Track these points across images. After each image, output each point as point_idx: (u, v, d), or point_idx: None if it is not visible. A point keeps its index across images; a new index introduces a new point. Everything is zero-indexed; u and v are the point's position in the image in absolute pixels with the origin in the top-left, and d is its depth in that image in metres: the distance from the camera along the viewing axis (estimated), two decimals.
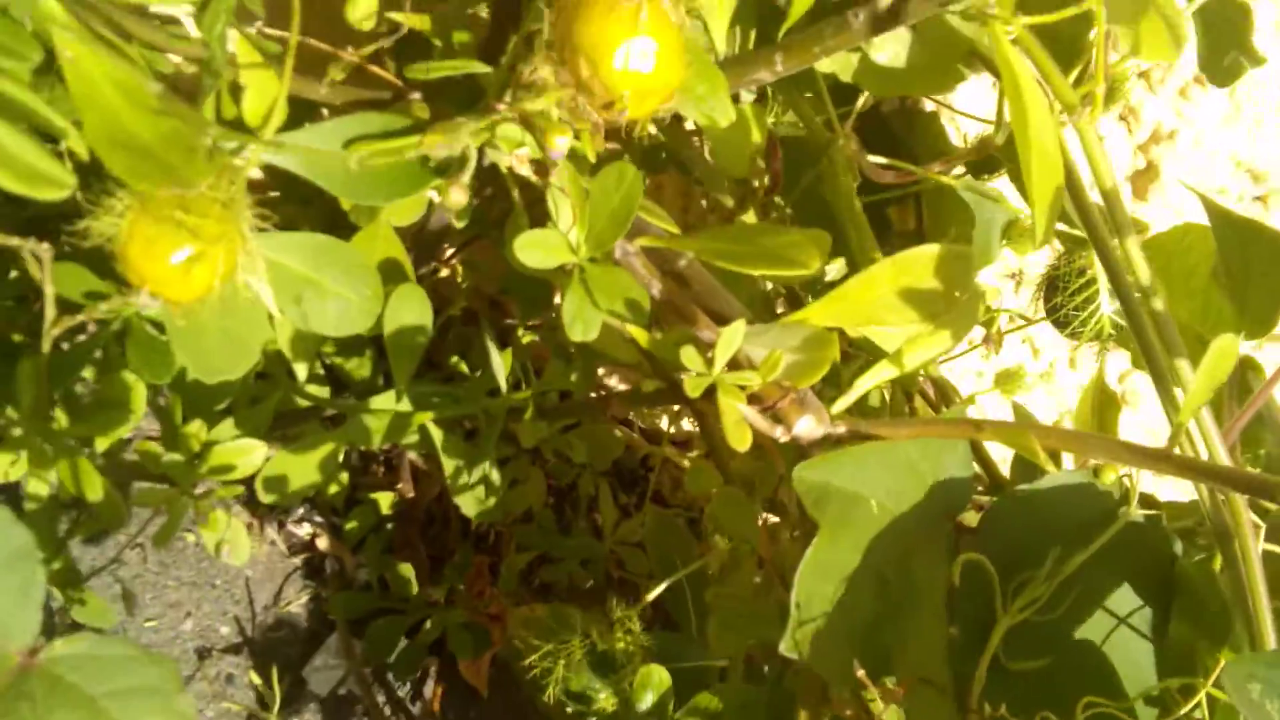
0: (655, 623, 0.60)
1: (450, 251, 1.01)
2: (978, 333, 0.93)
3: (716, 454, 0.53)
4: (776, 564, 0.46)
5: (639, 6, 0.29)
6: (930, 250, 0.38)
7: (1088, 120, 0.37)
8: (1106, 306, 0.53)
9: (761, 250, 0.37)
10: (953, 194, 0.59)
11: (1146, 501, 0.41)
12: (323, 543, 0.95)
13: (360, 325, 0.54)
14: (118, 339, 0.63)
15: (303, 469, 0.69)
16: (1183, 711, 0.38)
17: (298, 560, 0.94)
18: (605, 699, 0.49)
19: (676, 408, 0.98)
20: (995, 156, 0.61)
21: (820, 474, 0.36)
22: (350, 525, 0.94)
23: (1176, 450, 0.33)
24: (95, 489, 0.56)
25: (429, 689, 0.94)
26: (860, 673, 0.34)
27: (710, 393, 0.56)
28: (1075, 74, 0.45)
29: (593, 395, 0.69)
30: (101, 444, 0.58)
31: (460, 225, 0.50)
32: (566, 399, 0.73)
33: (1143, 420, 0.89)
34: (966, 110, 0.71)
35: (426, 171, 0.44)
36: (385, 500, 0.95)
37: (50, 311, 0.50)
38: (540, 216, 0.47)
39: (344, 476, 0.96)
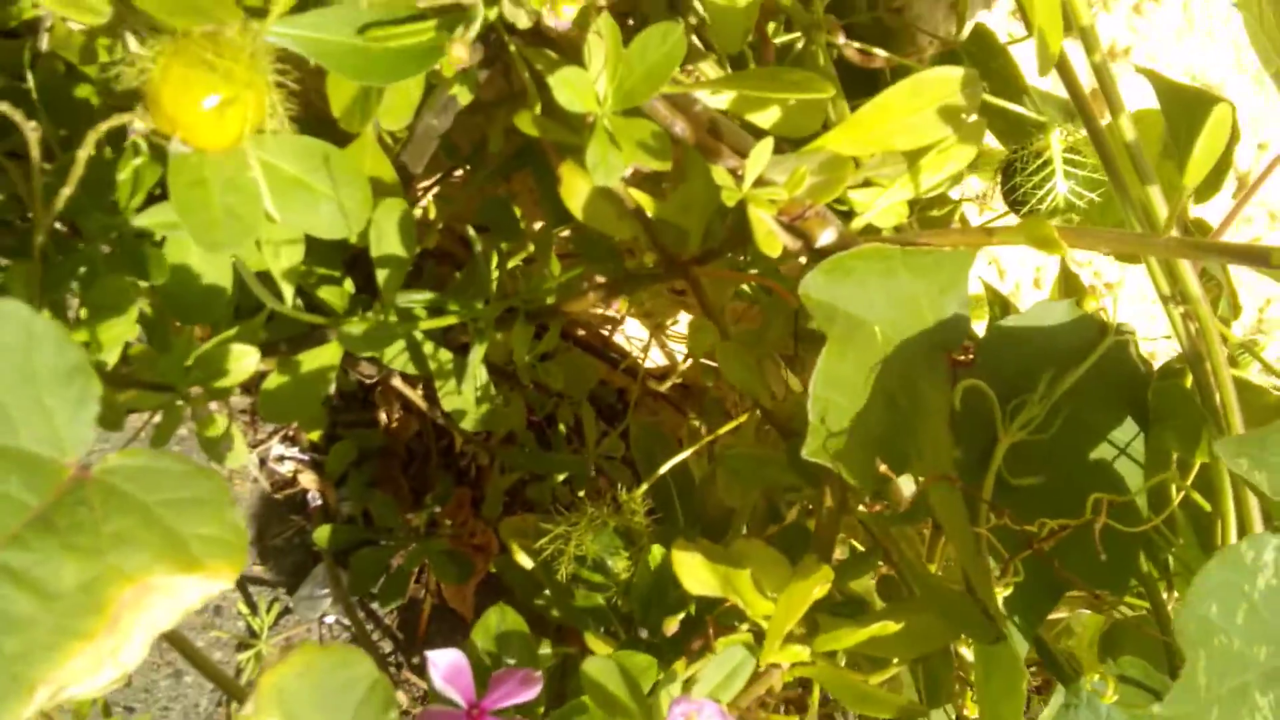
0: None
1: (421, 189, 1.01)
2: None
3: (714, 320, 0.54)
4: (777, 414, 0.48)
5: None
6: (945, 72, 0.40)
7: None
8: (1062, 186, 0.56)
9: (784, 82, 0.39)
10: None
11: (1121, 331, 0.44)
12: (305, 479, 0.96)
13: (350, 230, 0.56)
14: (110, 249, 0.63)
15: (299, 382, 0.69)
16: (1166, 512, 0.41)
17: (281, 496, 0.95)
18: (622, 568, 0.51)
19: (647, 337, 0.99)
20: (959, 53, 0.63)
21: (826, 294, 0.38)
22: (332, 461, 0.95)
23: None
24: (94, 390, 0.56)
25: (416, 616, 0.95)
26: (883, 468, 0.36)
27: (706, 258, 0.58)
28: None
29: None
30: (95, 351, 0.58)
31: (465, 101, 0.51)
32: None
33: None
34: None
35: (432, 50, 0.45)
36: (366, 436, 0.96)
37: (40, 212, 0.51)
38: (548, 100, 0.48)
39: (321, 413, 0.97)
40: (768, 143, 0.37)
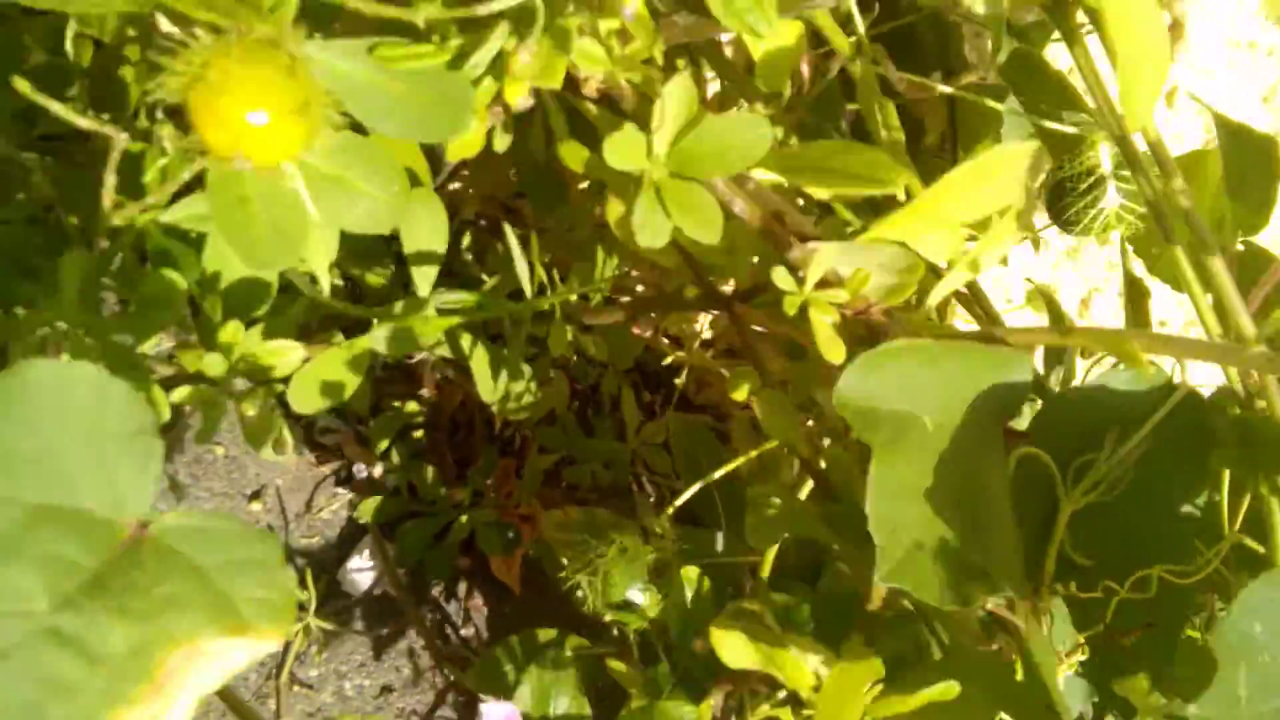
0: (681, 520, 0.61)
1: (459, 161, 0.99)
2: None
3: (754, 357, 0.52)
4: (814, 463, 0.46)
5: None
6: (1013, 150, 0.37)
7: None
8: (1114, 199, 0.52)
9: (844, 168, 0.36)
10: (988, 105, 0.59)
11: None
12: (351, 451, 0.96)
13: (387, 224, 0.53)
14: (135, 248, 0.62)
15: (332, 372, 0.69)
16: (1208, 569, 0.38)
17: (327, 469, 0.95)
18: (649, 605, 0.50)
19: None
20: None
21: (865, 398, 0.35)
22: (377, 433, 0.95)
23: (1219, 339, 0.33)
24: (142, 383, 0.56)
25: (462, 587, 0.96)
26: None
27: (748, 295, 0.55)
28: None
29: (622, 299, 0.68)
30: (146, 346, 0.58)
31: (501, 148, 0.48)
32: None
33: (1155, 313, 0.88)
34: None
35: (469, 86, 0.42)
36: (411, 407, 0.95)
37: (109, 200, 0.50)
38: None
39: (365, 386, 0.97)
40: (830, 248, 0.34)
